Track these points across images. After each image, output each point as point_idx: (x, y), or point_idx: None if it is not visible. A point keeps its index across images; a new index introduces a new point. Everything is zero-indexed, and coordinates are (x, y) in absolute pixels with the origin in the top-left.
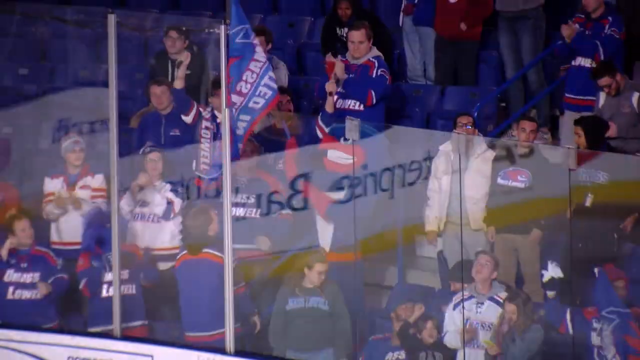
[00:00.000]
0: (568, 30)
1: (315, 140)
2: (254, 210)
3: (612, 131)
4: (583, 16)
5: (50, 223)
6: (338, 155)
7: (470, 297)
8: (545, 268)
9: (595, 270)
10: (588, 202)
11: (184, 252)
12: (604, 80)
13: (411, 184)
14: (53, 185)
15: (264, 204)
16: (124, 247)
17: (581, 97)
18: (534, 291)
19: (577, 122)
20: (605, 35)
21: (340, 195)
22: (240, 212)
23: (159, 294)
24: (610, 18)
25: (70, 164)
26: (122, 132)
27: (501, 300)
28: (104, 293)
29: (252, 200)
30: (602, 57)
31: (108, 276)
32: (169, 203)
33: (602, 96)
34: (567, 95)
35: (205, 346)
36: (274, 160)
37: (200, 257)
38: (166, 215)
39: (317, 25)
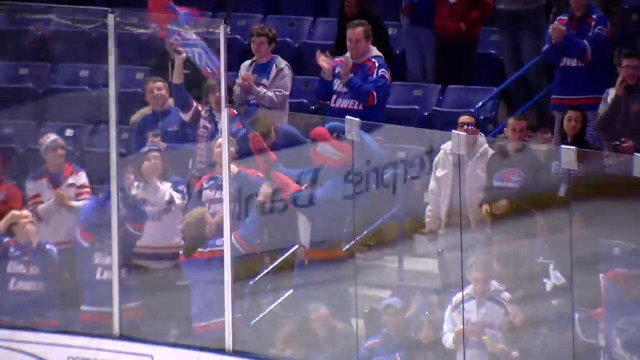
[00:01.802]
0: (558, 32)
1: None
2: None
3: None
4: (566, 17)
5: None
6: (327, 150)
7: (470, 298)
8: (547, 276)
9: (601, 278)
10: (562, 192)
11: (180, 252)
12: (632, 61)
13: (406, 181)
14: (37, 187)
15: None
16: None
17: (570, 97)
18: (535, 292)
19: (574, 108)
20: (593, 34)
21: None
22: (218, 208)
23: (156, 292)
24: (594, 16)
25: (51, 163)
26: (122, 132)
27: (503, 301)
28: (98, 276)
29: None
30: (589, 57)
31: (103, 259)
32: (170, 200)
33: (612, 93)
34: (554, 96)
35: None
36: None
37: (194, 258)
38: (167, 209)
39: (317, 25)
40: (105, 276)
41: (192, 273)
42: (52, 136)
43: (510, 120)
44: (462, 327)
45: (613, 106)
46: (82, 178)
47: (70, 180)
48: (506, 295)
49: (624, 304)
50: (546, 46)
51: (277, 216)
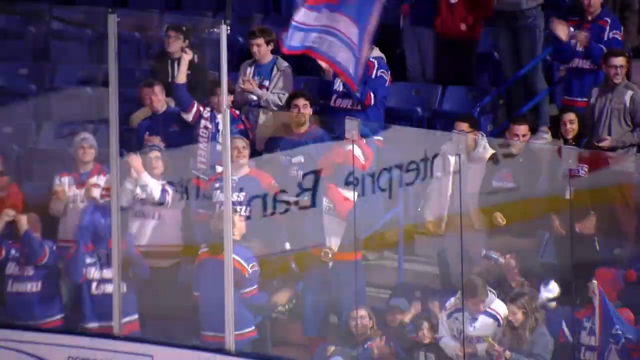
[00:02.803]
0: (582, 39)
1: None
2: (244, 208)
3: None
4: (577, 18)
5: (59, 220)
6: (358, 152)
7: (465, 310)
8: (544, 285)
9: (595, 288)
10: (567, 195)
11: (205, 249)
12: (619, 60)
13: (409, 184)
14: (63, 182)
15: (257, 204)
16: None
17: (580, 99)
18: (535, 292)
19: (568, 110)
20: (609, 38)
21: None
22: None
23: (155, 291)
24: (608, 19)
25: (79, 160)
26: (122, 132)
27: (496, 314)
28: (94, 290)
29: (242, 198)
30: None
31: (98, 273)
32: (164, 190)
33: (595, 92)
34: (566, 97)
35: (218, 347)
36: (286, 159)
37: (221, 258)
38: (162, 199)
39: None
40: (101, 290)
41: (208, 276)
42: (82, 134)
43: (513, 125)
44: (462, 338)
45: (596, 104)
46: (109, 181)
47: (95, 181)
48: (499, 305)
49: (612, 309)
50: (564, 45)
51: (280, 218)
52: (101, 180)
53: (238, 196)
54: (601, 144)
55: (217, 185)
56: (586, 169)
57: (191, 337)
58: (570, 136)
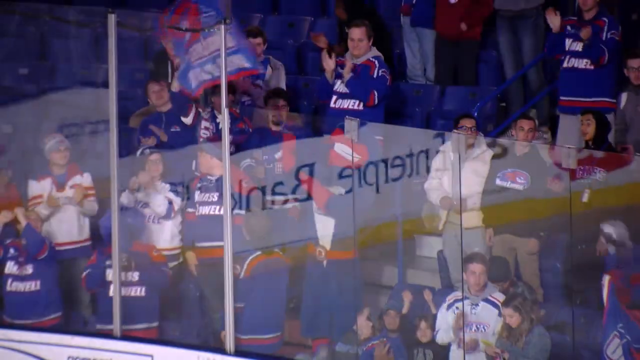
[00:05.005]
0: (556, 21)
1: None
2: (218, 208)
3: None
4: (575, 18)
5: (41, 225)
6: (344, 150)
7: (464, 297)
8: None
9: (605, 282)
10: (585, 198)
11: (257, 254)
12: (636, 62)
13: (396, 179)
14: (40, 187)
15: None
16: (137, 246)
17: (578, 99)
18: (534, 290)
19: (586, 112)
20: (607, 38)
21: (339, 189)
22: (205, 210)
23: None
24: (605, 19)
25: (55, 163)
26: (122, 132)
27: (497, 302)
28: (111, 293)
29: (216, 198)
30: (606, 61)
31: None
32: (170, 203)
33: (624, 97)
34: (562, 98)
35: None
36: (262, 156)
37: (272, 257)
38: (167, 215)
39: (317, 25)
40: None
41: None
42: (56, 137)
43: (520, 120)
44: (461, 326)
45: (627, 110)
46: (87, 180)
47: (75, 181)
48: (500, 295)
49: (621, 308)
50: (547, 39)
51: (278, 215)
52: (80, 180)
53: (212, 196)
54: (625, 151)
55: (198, 185)
56: (604, 172)
57: (210, 339)
58: (587, 138)
